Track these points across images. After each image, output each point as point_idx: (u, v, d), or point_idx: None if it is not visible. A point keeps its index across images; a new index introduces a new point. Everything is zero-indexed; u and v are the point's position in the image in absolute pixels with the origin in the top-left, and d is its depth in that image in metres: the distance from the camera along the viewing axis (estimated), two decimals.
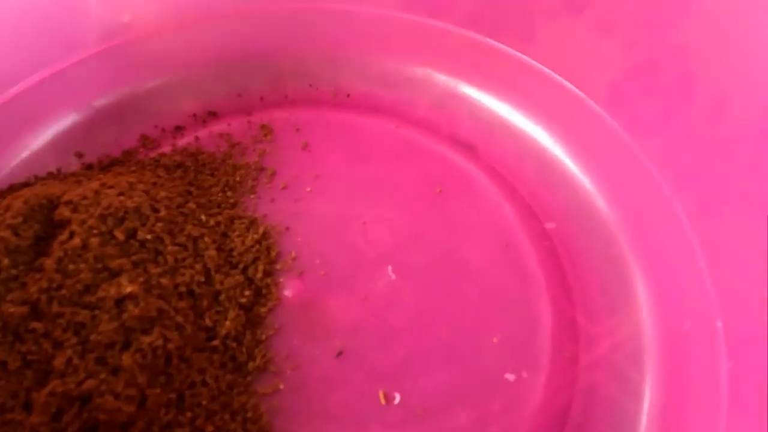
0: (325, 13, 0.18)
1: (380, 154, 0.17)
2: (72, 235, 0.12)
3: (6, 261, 0.12)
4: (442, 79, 0.18)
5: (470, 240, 0.15)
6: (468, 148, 0.17)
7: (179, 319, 0.12)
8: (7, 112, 0.15)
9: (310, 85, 0.19)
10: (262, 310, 0.14)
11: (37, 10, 0.16)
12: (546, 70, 0.16)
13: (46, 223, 0.13)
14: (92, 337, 0.11)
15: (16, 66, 0.16)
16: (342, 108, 0.18)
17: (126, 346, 0.12)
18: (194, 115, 0.18)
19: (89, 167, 0.16)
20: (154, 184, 0.15)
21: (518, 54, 0.17)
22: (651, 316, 0.14)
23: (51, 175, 0.16)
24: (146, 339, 0.12)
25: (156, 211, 0.14)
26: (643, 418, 0.13)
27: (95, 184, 0.14)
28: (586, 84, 0.16)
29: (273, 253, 0.15)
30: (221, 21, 0.18)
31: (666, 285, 0.14)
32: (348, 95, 0.19)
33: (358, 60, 0.19)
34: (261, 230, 0.15)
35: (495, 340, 0.14)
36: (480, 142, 0.17)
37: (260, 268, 0.14)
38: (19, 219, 0.13)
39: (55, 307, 0.12)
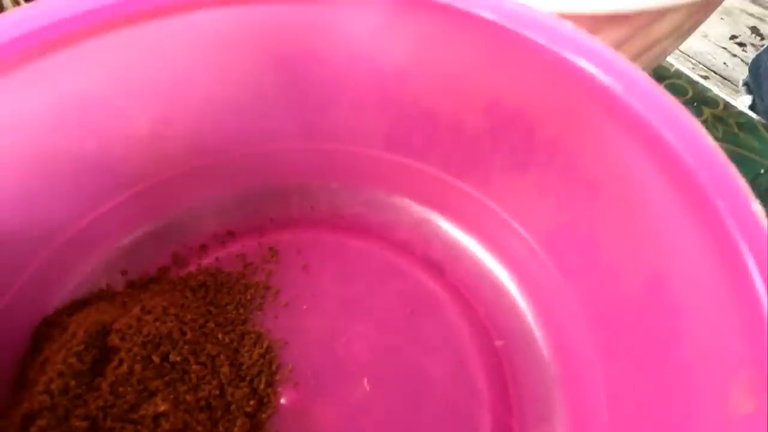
0: (327, 152, 0.22)
1: (365, 275, 0.21)
2: (121, 362, 0.17)
3: (73, 382, 0.16)
4: (418, 208, 0.22)
5: (432, 356, 0.19)
6: (437, 269, 0.21)
7: (200, 429, 0.16)
8: (70, 246, 0.20)
9: (312, 208, 0.23)
10: (263, 416, 0.18)
11: (84, 158, 0.20)
12: (498, 209, 0.20)
13: (101, 348, 0.17)
14: None
15: (73, 202, 0.20)
16: (336, 229, 0.22)
17: None
18: (215, 235, 0.22)
19: (131, 284, 0.21)
20: (182, 305, 0.19)
21: (477, 194, 0.21)
22: (566, 427, 0.17)
23: (102, 293, 0.20)
24: None
25: (184, 334, 0.18)
26: None
27: (137, 310, 0.18)
28: (529, 227, 0.19)
29: (274, 366, 0.19)
30: (240, 158, 0.22)
31: (582, 403, 0.17)
32: (342, 217, 0.23)
33: (351, 188, 0.23)
34: (265, 344, 0.19)
35: None
36: (447, 265, 0.21)
37: (263, 379, 0.18)
38: (82, 347, 0.17)
39: (109, 423, 0.16)
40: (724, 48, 1.47)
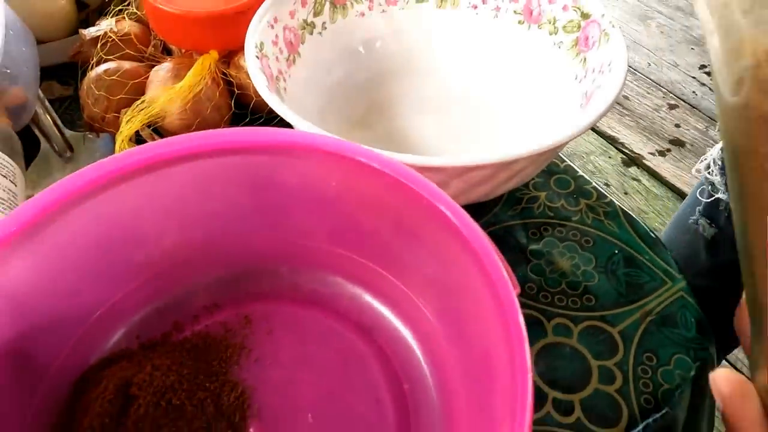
0: (287, 244, 0.30)
1: (313, 337, 0.29)
2: (139, 406, 0.24)
3: (107, 420, 0.24)
4: (351, 286, 0.30)
5: (358, 396, 0.27)
6: (366, 332, 0.29)
7: None
8: (100, 321, 0.28)
9: (277, 285, 0.31)
10: None
11: (116, 262, 0.28)
12: (404, 288, 0.28)
13: (125, 396, 0.25)
14: None
15: (104, 290, 0.28)
16: (295, 301, 0.30)
17: None
18: (205, 306, 0.30)
19: (143, 346, 0.28)
20: (180, 363, 0.27)
21: (391, 277, 0.29)
22: None
23: (123, 352, 0.28)
24: None
25: (182, 384, 0.26)
26: None
27: (149, 368, 0.26)
28: (422, 299, 0.28)
29: (246, 406, 0.26)
30: (223, 250, 0.30)
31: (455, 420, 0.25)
32: (299, 291, 0.31)
33: (306, 270, 0.31)
34: (240, 390, 0.27)
35: None
36: (374, 329, 0.29)
37: (238, 415, 0.26)
38: (112, 396, 0.25)
39: None
40: (694, 77, 1.57)
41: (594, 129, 1.38)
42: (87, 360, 0.27)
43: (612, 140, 1.39)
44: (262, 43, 0.33)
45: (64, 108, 0.41)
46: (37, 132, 0.38)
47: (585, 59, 0.36)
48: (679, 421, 0.28)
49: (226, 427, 0.25)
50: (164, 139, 0.25)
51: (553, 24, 0.38)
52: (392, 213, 0.26)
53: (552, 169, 0.38)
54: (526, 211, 0.36)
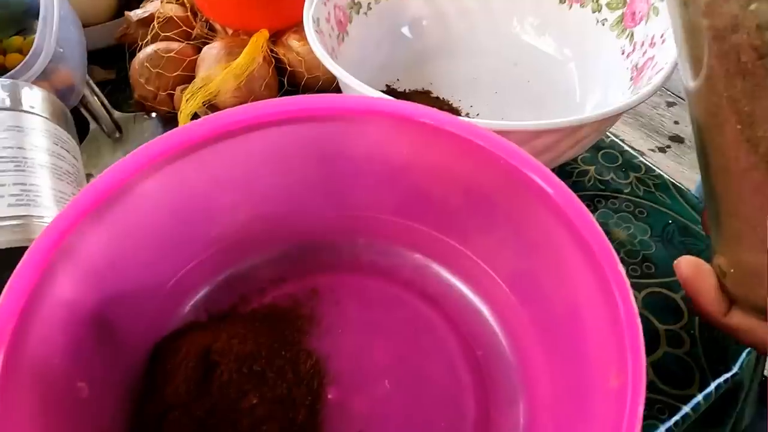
0: (350, 217, 0.30)
1: (380, 306, 0.29)
2: (222, 372, 0.24)
3: (192, 386, 0.24)
4: (417, 256, 0.30)
5: (431, 362, 0.27)
6: (432, 300, 0.29)
7: (278, 415, 0.24)
8: (171, 293, 0.28)
9: (339, 257, 0.31)
10: (317, 407, 0.25)
11: (188, 234, 0.28)
12: (474, 257, 0.29)
13: (206, 363, 0.25)
14: (237, 428, 0.23)
15: (175, 263, 0.28)
16: (356, 272, 0.30)
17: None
18: (270, 280, 0.30)
19: (211, 318, 0.29)
20: (255, 332, 0.27)
21: (460, 246, 0.29)
22: (525, 406, 0.25)
23: (193, 324, 0.28)
24: (263, 426, 0.24)
25: (260, 352, 0.26)
26: None
27: (225, 336, 0.26)
28: (496, 270, 0.28)
29: (322, 373, 0.27)
30: (289, 224, 0.30)
31: (534, 388, 0.25)
32: (361, 263, 0.31)
33: (368, 242, 0.31)
34: (314, 358, 0.27)
35: (442, 424, 0.25)
36: (440, 298, 0.29)
37: (315, 382, 0.26)
38: (194, 362, 0.25)
39: (218, 413, 0.24)
40: None
41: None
42: (160, 332, 0.27)
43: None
44: (318, 19, 0.33)
45: (107, 91, 0.41)
46: (85, 113, 0.38)
47: (632, 34, 0.36)
48: (745, 385, 0.29)
49: (305, 393, 0.26)
50: (239, 106, 0.25)
51: (596, 2, 0.38)
52: (463, 178, 0.26)
53: (599, 145, 0.38)
54: (578, 184, 0.36)
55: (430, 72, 0.41)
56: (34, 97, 0.31)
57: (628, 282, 0.19)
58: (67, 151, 0.30)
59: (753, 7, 0.16)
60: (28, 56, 0.32)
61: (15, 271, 0.20)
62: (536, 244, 0.25)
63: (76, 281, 0.23)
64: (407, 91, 0.40)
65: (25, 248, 0.23)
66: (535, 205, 0.23)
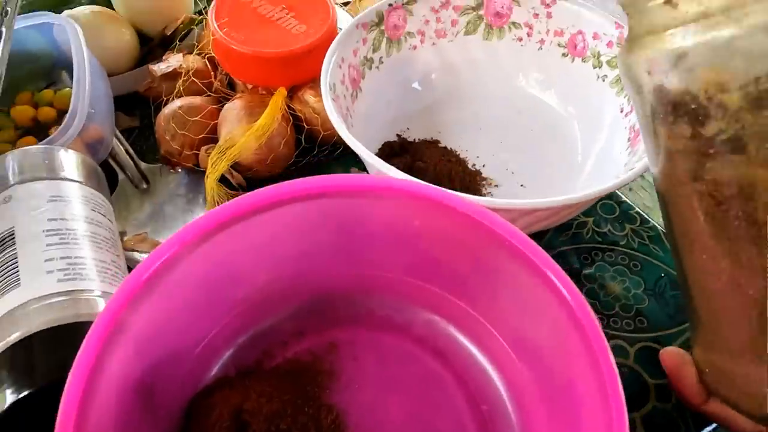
0: (366, 276, 0.33)
1: (394, 361, 0.32)
2: None
3: None
4: (428, 314, 0.33)
5: (440, 416, 0.30)
6: (442, 356, 0.32)
7: None
8: (204, 351, 0.30)
9: (356, 312, 0.33)
10: None
11: (221, 299, 0.30)
12: (481, 318, 0.31)
13: (238, 422, 0.28)
14: None
15: (208, 324, 0.31)
16: (372, 327, 0.33)
17: None
18: (292, 333, 0.33)
19: (239, 373, 0.31)
20: (280, 389, 0.30)
21: (467, 307, 0.31)
22: None
23: (223, 379, 0.31)
24: None
25: (286, 410, 0.28)
26: None
27: (255, 396, 0.29)
28: (499, 331, 0.30)
29: (342, 428, 0.29)
30: (308, 282, 0.33)
31: None
32: (375, 318, 0.33)
33: (382, 299, 0.33)
34: (335, 412, 0.29)
35: None
36: (449, 354, 0.32)
37: None
38: (228, 423, 0.27)
39: None
40: None
41: None
42: (192, 390, 0.30)
43: None
44: (334, 84, 0.35)
45: (132, 139, 0.43)
46: (114, 165, 0.40)
47: None
48: None
49: None
50: (261, 189, 0.28)
51: (597, 58, 0.41)
52: (470, 249, 0.29)
53: None
54: (577, 236, 0.38)
55: (438, 121, 0.43)
56: (69, 161, 0.33)
57: (616, 370, 0.22)
58: (103, 215, 0.33)
59: (708, 165, 0.19)
60: (63, 123, 0.35)
61: (79, 352, 0.22)
62: (536, 315, 0.27)
63: (127, 354, 0.25)
64: (416, 140, 0.42)
65: (74, 324, 0.25)
66: (534, 281, 0.26)
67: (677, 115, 0.20)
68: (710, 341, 0.22)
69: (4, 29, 0.36)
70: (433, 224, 0.29)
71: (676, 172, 0.20)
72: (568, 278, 0.25)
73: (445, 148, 0.42)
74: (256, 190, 0.27)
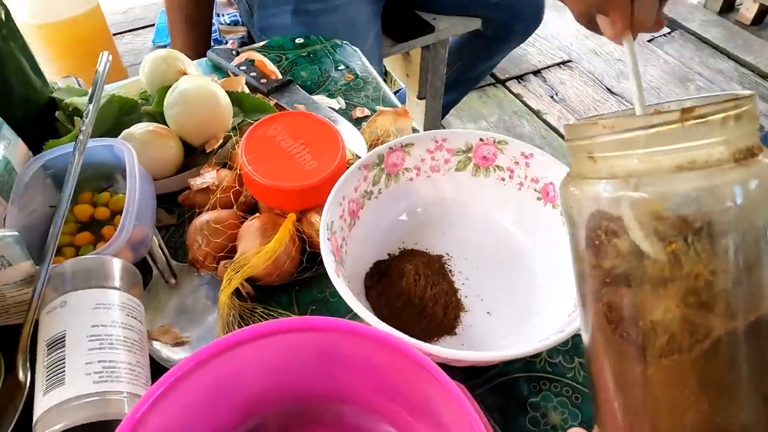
0: (338, 389, 0.40)
1: None
2: None
3: None
4: (386, 426, 0.39)
5: None
6: None
7: None
8: None
9: (328, 417, 0.40)
10: None
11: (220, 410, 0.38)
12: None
13: None
14: None
15: (206, 426, 0.38)
16: (344, 431, 0.40)
17: None
18: (279, 429, 0.40)
19: None
20: None
21: (414, 421, 0.38)
22: None
23: None
24: None
25: None
26: None
27: None
28: None
29: None
30: (290, 393, 0.40)
31: None
32: (346, 423, 0.40)
33: (352, 408, 0.40)
34: None
35: None
36: None
37: None
38: None
39: None
40: None
41: None
42: None
43: None
44: (332, 222, 0.43)
45: (169, 235, 0.52)
46: (150, 262, 0.48)
47: None
48: None
49: None
50: (263, 323, 0.35)
51: None
52: (422, 383, 0.35)
53: None
54: (530, 364, 0.44)
55: (427, 244, 0.50)
56: (115, 270, 0.42)
57: None
58: (135, 318, 0.41)
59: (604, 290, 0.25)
60: (113, 236, 0.43)
61: None
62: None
63: None
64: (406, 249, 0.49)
65: (102, 422, 0.33)
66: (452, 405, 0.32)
67: (587, 245, 0.26)
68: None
69: (77, 153, 0.45)
70: (391, 360, 0.36)
71: (584, 289, 0.27)
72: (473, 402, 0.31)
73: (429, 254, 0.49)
74: (256, 324, 0.35)
